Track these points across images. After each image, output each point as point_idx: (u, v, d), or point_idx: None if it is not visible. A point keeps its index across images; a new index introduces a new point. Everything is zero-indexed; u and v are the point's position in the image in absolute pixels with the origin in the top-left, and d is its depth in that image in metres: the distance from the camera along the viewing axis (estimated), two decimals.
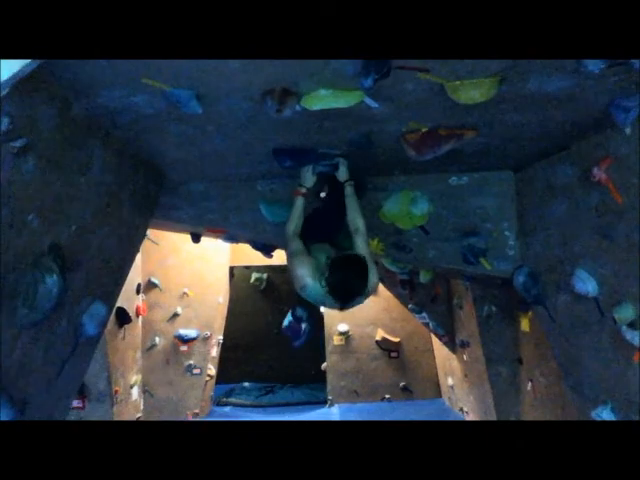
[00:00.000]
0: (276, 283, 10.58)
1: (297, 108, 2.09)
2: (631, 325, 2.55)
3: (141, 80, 1.86)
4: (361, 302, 2.79)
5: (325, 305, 2.84)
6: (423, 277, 5.70)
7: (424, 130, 2.58)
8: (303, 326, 5.14)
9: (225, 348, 8.62)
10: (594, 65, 1.72)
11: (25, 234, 1.85)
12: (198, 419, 7.57)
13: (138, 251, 4.89)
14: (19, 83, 1.45)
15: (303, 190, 3.01)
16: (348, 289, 2.59)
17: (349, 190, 2.97)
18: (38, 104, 1.78)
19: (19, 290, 1.87)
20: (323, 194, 3.33)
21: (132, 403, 6.06)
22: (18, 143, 1.67)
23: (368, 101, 2.11)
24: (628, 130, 2.38)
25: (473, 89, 1.94)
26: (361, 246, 2.84)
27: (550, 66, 1.86)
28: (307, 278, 2.70)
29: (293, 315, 5.02)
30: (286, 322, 5.13)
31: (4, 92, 1.42)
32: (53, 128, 1.92)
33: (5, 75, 1.37)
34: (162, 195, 3.69)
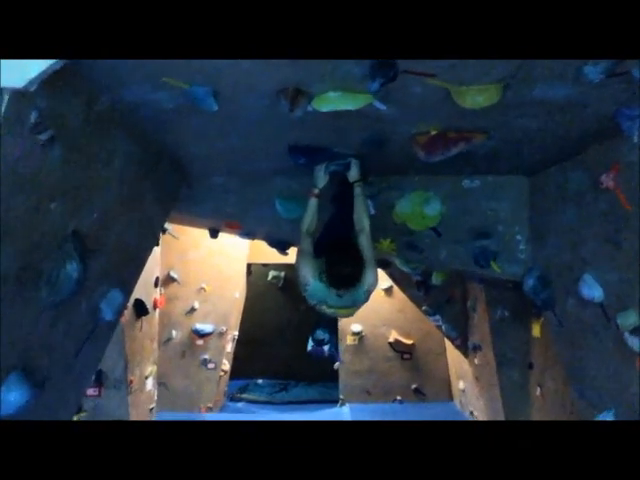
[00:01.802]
0: (293, 281, 10.51)
1: (309, 109, 2.15)
2: (634, 331, 2.56)
3: (161, 79, 1.95)
4: (361, 299, 2.84)
5: (328, 305, 2.87)
6: (435, 279, 5.72)
7: (433, 132, 2.63)
8: (325, 348, 5.17)
9: (241, 344, 8.68)
10: (594, 75, 1.75)
11: (48, 220, 1.93)
12: (211, 413, 7.69)
13: (157, 242, 5.00)
14: (48, 79, 1.55)
15: (316, 191, 3.09)
16: (342, 270, 2.74)
17: (358, 190, 3.05)
18: (65, 98, 1.84)
19: (42, 272, 1.99)
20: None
21: (146, 393, 6.18)
22: (45, 136, 1.74)
23: (377, 104, 2.15)
24: (636, 138, 2.41)
25: (478, 95, 1.99)
26: (365, 245, 2.92)
27: (552, 74, 1.89)
28: (309, 277, 2.81)
29: (314, 339, 5.06)
30: (309, 347, 5.17)
31: (33, 88, 1.53)
32: (79, 121, 1.99)
33: (35, 72, 1.49)
34: (183, 188, 3.78)
